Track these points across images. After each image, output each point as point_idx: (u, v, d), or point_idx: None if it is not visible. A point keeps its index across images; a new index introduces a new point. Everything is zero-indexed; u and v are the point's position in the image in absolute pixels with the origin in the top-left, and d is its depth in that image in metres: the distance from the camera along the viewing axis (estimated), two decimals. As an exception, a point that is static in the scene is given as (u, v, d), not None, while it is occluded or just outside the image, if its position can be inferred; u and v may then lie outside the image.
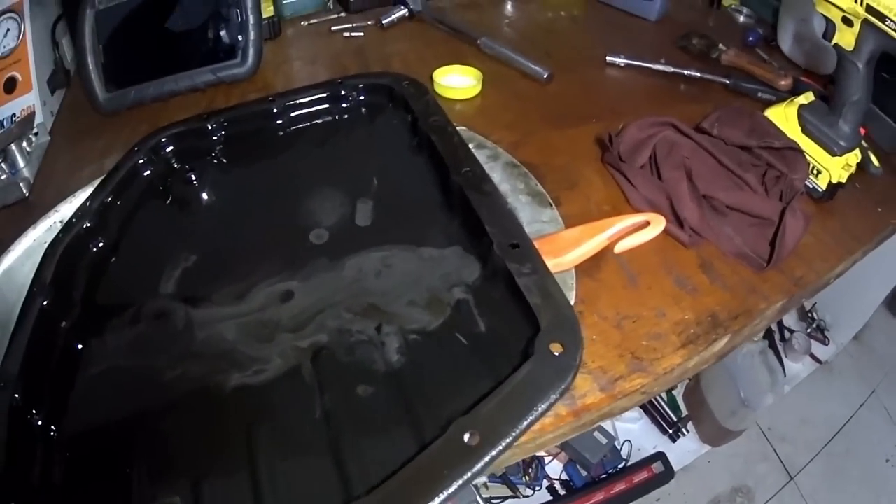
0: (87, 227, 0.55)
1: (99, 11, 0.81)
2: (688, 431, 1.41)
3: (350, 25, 0.93)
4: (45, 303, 0.48)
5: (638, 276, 0.59)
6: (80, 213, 0.55)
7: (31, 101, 0.80)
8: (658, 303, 0.57)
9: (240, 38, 0.84)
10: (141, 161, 0.62)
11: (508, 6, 1.03)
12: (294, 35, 0.95)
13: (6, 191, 0.70)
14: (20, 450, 0.41)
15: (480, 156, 0.57)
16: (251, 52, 0.83)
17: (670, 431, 1.39)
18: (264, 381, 0.44)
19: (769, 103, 0.79)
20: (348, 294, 0.49)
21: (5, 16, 0.79)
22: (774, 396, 1.26)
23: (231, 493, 0.39)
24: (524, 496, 1.28)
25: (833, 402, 1.59)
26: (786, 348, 1.55)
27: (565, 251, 0.50)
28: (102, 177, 0.60)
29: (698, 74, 0.88)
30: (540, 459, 1.31)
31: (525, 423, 0.37)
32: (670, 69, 0.88)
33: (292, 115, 0.67)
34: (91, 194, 0.57)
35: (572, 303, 0.52)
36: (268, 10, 0.90)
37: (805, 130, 0.73)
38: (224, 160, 0.64)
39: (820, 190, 0.71)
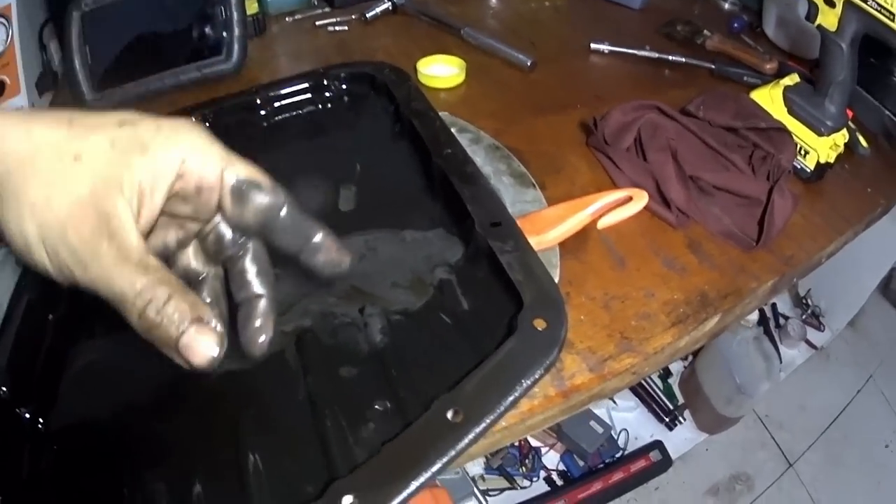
0: None
1: (85, 13, 0.80)
2: (684, 419, 1.40)
3: (334, 20, 0.93)
4: (31, 296, 0.47)
5: (626, 258, 0.58)
6: None
7: (19, 103, 0.79)
8: (646, 283, 0.56)
9: (224, 34, 0.83)
10: None
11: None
12: (279, 31, 0.94)
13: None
14: (8, 444, 0.40)
15: (463, 139, 0.57)
16: (236, 48, 0.83)
17: (667, 420, 1.38)
18: (249, 366, 0.43)
19: (754, 87, 0.78)
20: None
21: (-7, 20, 0.78)
22: (770, 383, 1.25)
23: (217, 477, 0.39)
24: (521, 487, 1.28)
25: (830, 388, 1.58)
26: (781, 335, 1.54)
27: (548, 228, 0.49)
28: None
29: (683, 60, 0.87)
30: (537, 450, 1.30)
31: (509, 399, 0.36)
32: (655, 55, 0.87)
33: (275, 105, 0.66)
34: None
35: (556, 281, 0.51)
36: (252, 7, 0.89)
37: (791, 112, 0.72)
38: (208, 153, 0.63)
39: (808, 170, 0.70)
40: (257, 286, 0.39)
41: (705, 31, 0.93)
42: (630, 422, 1.38)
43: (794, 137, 0.70)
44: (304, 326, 0.46)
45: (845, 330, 1.63)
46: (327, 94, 0.67)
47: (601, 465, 1.30)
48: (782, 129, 0.69)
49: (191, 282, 0.40)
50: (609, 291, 0.55)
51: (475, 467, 1.26)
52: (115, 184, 0.30)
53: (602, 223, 0.51)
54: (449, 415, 0.35)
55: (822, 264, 0.67)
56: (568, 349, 0.51)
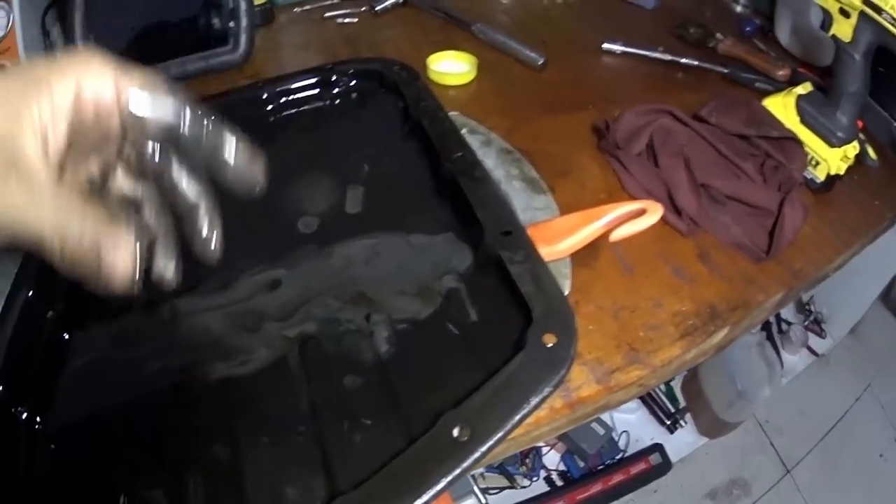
0: None
1: (89, -1, 0.79)
2: (685, 423, 1.39)
3: (343, 12, 0.91)
4: (29, 293, 0.46)
5: (635, 266, 0.57)
6: None
7: (20, 89, 0.78)
8: (655, 293, 0.55)
9: (231, 24, 0.81)
10: None
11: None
12: (287, 21, 0.92)
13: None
14: (4, 443, 0.39)
15: (473, 141, 0.56)
16: (243, 38, 0.81)
17: (668, 423, 1.37)
18: (250, 372, 0.43)
19: (766, 93, 0.77)
20: (337, 282, 0.48)
21: (-6, 5, 0.77)
22: (772, 389, 1.24)
23: (214, 485, 0.38)
24: (521, 486, 1.27)
25: (829, 395, 1.57)
26: (783, 340, 1.53)
27: (559, 239, 0.48)
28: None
29: (696, 63, 0.86)
30: (537, 450, 1.29)
31: (516, 417, 0.35)
32: (668, 57, 0.86)
33: (282, 101, 0.65)
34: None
35: (567, 292, 0.50)
36: (260, -3, 0.88)
37: (803, 121, 0.71)
38: (212, 148, 0.62)
39: (818, 181, 0.69)
40: (192, 195, 0.38)
41: (718, 35, 0.92)
42: (631, 423, 1.37)
43: (806, 147, 0.69)
44: (309, 332, 0.45)
45: (846, 337, 1.62)
46: (335, 91, 0.65)
47: (601, 467, 1.29)
48: (794, 139, 0.68)
49: (130, 205, 0.39)
50: (618, 300, 0.54)
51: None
52: (16, 122, 0.30)
53: (615, 236, 0.50)
54: (455, 432, 0.34)
55: (828, 278, 0.66)
56: (576, 360, 0.49)
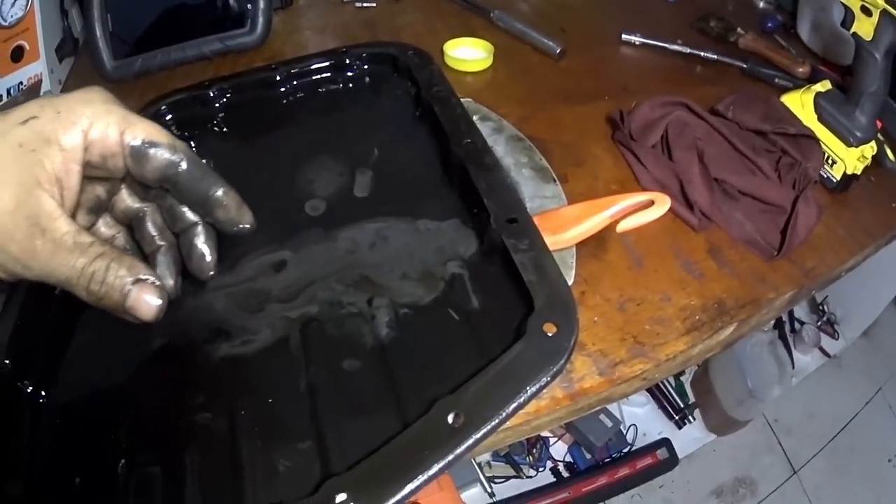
0: None
1: (108, -20, 0.79)
2: (694, 419, 1.38)
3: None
4: None
5: (644, 259, 0.56)
6: None
7: (38, 69, 0.78)
8: (663, 286, 0.54)
9: (249, 6, 0.81)
10: None
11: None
12: (306, 5, 0.92)
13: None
14: (9, 416, 0.39)
15: (485, 128, 0.55)
16: (260, 20, 0.81)
17: (676, 418, 1.36)
18: (251, 352, 0.43)
19: (786, 90, 0.75)
20: (341, 265, 0.47)
21: (12, -14, 0.77)
22: (782, 388, 1.22)
23: (211, 463, 0.37)
24: (527, 476, 1.27)
25: (840, 397, 1.55)
26: (795, 340, 1.51)
27: (565, 228, 0.47)
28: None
29: (715, 57, 0.84)
30: (545, 440, 1.29)
31: (512, 406, 0.34)
32: (687, 50, 0.84)
33: (295, 83, 0.64)
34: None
35: (571, 282, 0.49)
36: (280, -20, 0.88)
37: (821, 119, 0.70)
38: (224, 128, 0.62)
39: (834, 180, 0.68)
40: (190, 215, 0.41)
41: (739, 29, 0.90)
42: (640, 417, 1.36)
43: (823, 146, 0.67)
44: (311, 314, 0.44)
45: (859, 340, 1.60)
46: (349, 74, 0.65)
47: (608, 460, 1.28)
48: (811, 137, 0.67)
49: (133, 220, 0.42)
50: (625, 293, 0.53)
51: (482, 454, 1.25)
52: (32, 183, 0.32)
53: (622, 226, 0.49)
54: (449, 418, 0.34)
55: (840, 278, 0.65)
56: (579, 351, 0.49)
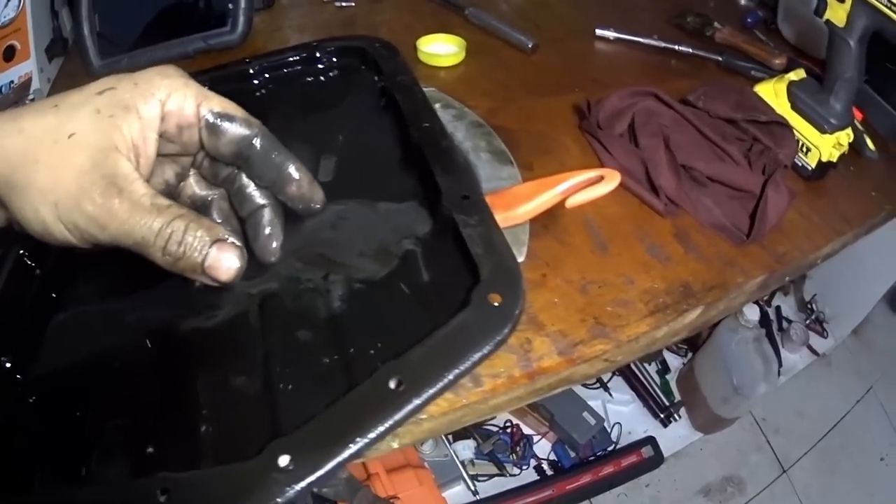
0: None
1: (96, -19, 0.79)
2: (680, 417, 1.36)
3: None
4: (21, 251, 0.46)
5: (608, 242, 0.55)
6: None
7: (28, 68, 0.78)
8: (627, 269, 0.54)
9: (230, 6, 0.81)
10: None
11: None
12: (288, 4, 0.92)
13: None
14: None
15: (446, 115, 0.54)
16: (241, 19, 0.81)
17: (662, 416, 1.34)
18: (214, 325, 0.43)
19: (761, 81, 0.75)
20: (303, 244, 0.47)
21: (5, -12, 0.77)
22: (768, 386, 1.20)
23: (175, 429, 0.38)
24: (511, 475, 1.25)
25: (830, 396, 1.53)
26: (783, 338, 1.49)
27: (517, 205, 0.46)
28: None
29: (690, 51, 0.83)
30: (528, 438, 1.27)
31: (454, 372, 0.34)
32: (662, 44, 0.83)
33: (267, 76, 0.64)
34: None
35: (523, 258, 0.48)
36: (262, -20, 0.88)
37: (795, 107, 0.69)
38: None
39: (809, 168, 0.67)
40: (258, 197, 0.42)
41: (716, 24, 0.90)
42: (625, 415, 1.34)
43: (796, 133, 0.67)
44: (271, 290, 0.44)
45: (849, 338, 1.58)
46: (319, 67, 0.65)
47: (592, 458, 1.26)
48: (783, 124, 0.66)
49: (199, 207, 0.42)
50: (587, 275, 0.53)
51: (465, 451, 1.24)
52: (110, 146, 0.33)
53: (571, 202, 0.48)
54: (391, 384, 0.33)
55: (817, 265, 0.64)
56: (538, 331, 0.48)
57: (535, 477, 1.26)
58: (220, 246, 0.35)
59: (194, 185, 0.43)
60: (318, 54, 0.65)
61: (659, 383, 1.39)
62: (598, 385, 1.37)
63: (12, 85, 0.77)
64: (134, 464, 0.36)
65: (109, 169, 0.32)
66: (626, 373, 1.41)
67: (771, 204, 0.58)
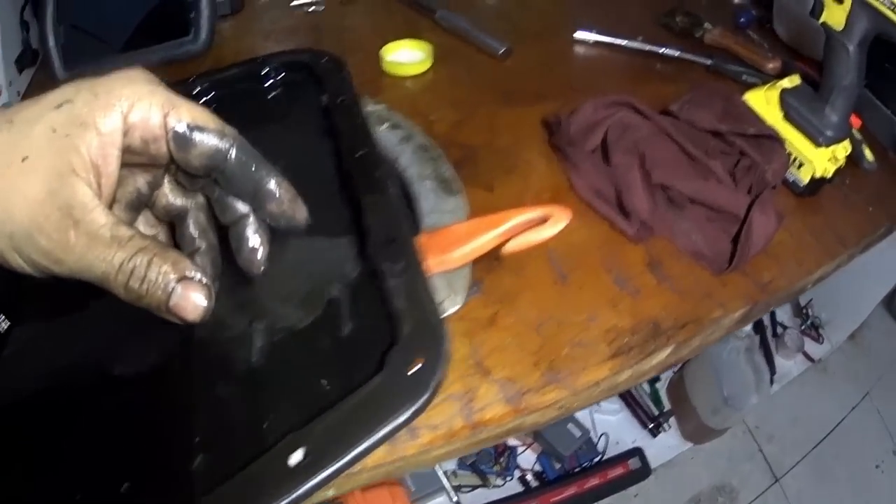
0: None
1: (61, -7, 0.76)
2: (669, 427, 1.29)
3: (310, 1, 0.83)
4: None
5: (570, 274, 0.49)
6: None
7: (-3, 80, 0.74)
8: (590, 305, 0.47)
9: (192, 14, 0.76)
10: None
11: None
12: (257, 10, 0.85)
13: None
14: None
15: (393, 137, 0.48)
16: (203, 28, 0.76)
17: (651, 426, 1.27)
18: (137, 373, 0.39)
19: (754, 87, 0.67)
20: (231, 283, 0.41)
21: (-30, 1, 0.74)
22: (759, 397, 1.14)
23: (95, 487, 0.33)
24: (494, 486, 1.19)
25: (825, 402, 1.46)
26: (778, 345, 1.42)
27: (453, 247, 0.40)
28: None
29: (677, 54, 0.76)
30: (512, 449, 1.22)
31: (361, 447, 0.29)
32: (647, 47, 0.76)
33: (214, 93, 0.58)
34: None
35: (458, 307, 0.42)
36: (228, -14, 0.82)
37: (787, 117, 0.63)
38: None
39: (801, 184, 0.61)
40: (241, 205, 0.37)
41: (706, 24, 0.82)
42: (613, 425, 1.28)
43: (788, 147, 0.60)
44: (197, 335, 0.39)
45: (845, 343, 1.51)
46: (266, 84, 0.58)
47: (578, 469, 1.20)
48: (773, 137, 0.60)
49: (175, 217, 0.39)
50: (545, 312, 0.46)
51: (448, 462, 1.18)
52: (66, 171, 0.29)
53: (509, 248, 0.41)
54: (296, 455, 0.29)
55: (807, 290, 0.57)
56: (484, 377, 0.42)
57: (520, 488, 1.20)
58: (185, 284, 0.31)
59: (168, 194, 0.38)
60: (264, 70, 0.58)
61: (649, 392, 1.32)
62: (586, 392, 1.31)
63: (-21, 99, 0.73)
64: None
65: (65, 198, 0.29)
66: (617, 380, 1.34)
67: (756, 228, 0.52)
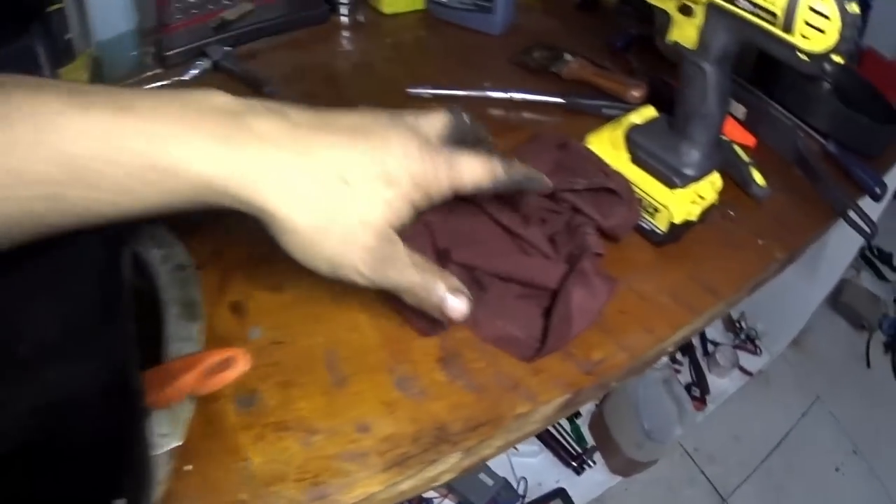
0: None
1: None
2: (595, 463, 1.26)
3: (160, 84, 0.79)
4: None
5: (348, 378, 0.46)
6: None
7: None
8: (365, 413, 0.44)
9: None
10: None
11: (344, 42, 0.85)
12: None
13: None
14: None
15: (154, 256, 0.44)
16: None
17: (574, 464, 1.24)
18: None
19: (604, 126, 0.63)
20: None
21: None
22: (683, 427, 1.11)
23: None
24: (415, 541, 1.16)
25: (769, 415, 1.44)
26: (710, 363, 1.39)
27: (168, 384, 0.37)
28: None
29: (526, 97, 0.73)
30: (428, 501, 1.18)
31: None
32: (493, 94, 0.72)
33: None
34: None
35: (179, 441, 0.38)
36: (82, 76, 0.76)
37: (636, 160, 0.58)
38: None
39: (659, 232, 0.56)
40: None
41: (566, 56, 0.79)
42: (533, 467, 1.24)
43: (640, 193, 0.56)
44: None
45: (787, 351, 1.49)
46: None
47: (498, 516, 1.17)
48: (608, 189, 0.55)
49: None
50: (315, 424, 0.43)
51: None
52: (386, 212, 0.37)
53: (204, 390, 0.38)
54: None
55: (665, 356, 0.53)
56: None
57: (442, 542, 1.17)
58: (456, 294, 0.40)
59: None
60: None
61: (569, 429, 1.29)
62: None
63: None
64: None
65: (389, 249, 0.37)
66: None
67: (576, 302, 0.47)
